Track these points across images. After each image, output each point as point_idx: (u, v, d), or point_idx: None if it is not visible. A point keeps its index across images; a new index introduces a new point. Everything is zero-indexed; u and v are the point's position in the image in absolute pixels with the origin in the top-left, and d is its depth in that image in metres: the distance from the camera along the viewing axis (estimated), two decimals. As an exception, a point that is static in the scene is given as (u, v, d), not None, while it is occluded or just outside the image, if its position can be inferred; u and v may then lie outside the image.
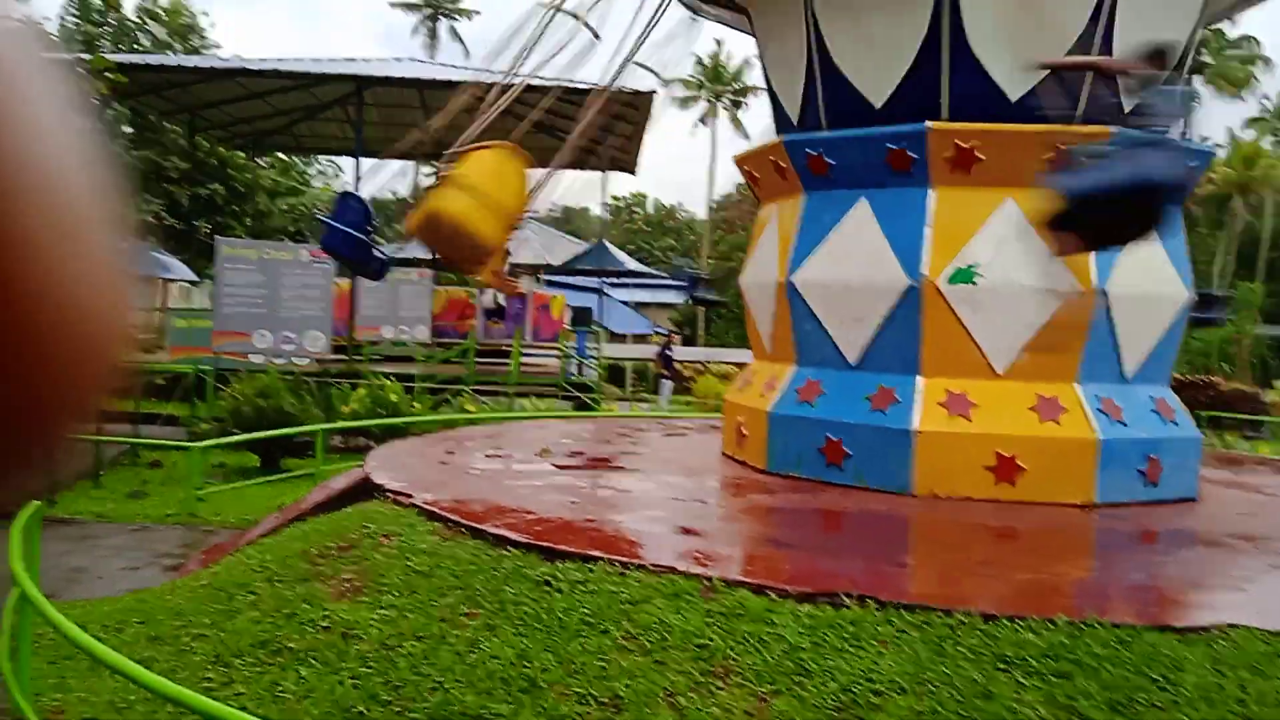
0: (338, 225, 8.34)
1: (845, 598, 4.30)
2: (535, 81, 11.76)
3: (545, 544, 4.99)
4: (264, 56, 22.32)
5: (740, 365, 27.41)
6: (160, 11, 34.00)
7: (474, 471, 7.48)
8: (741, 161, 8.73)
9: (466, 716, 3.92)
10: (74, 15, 31.16)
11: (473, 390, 17.20)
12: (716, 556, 5.01)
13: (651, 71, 10.34)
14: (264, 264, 14.56)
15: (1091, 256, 6.80)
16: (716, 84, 52.74)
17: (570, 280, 34.42)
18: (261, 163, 32.83)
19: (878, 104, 7.54)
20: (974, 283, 6.87)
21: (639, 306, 49.26)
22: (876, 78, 7.57)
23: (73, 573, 7.74)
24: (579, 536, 5.23)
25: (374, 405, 13.71)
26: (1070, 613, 4.15)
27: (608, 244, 28.57)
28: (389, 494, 6.23)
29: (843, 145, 7.40)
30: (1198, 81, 42.96)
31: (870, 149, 7.21)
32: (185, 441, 11.90)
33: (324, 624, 4.82)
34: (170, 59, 24.20)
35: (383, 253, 9.11)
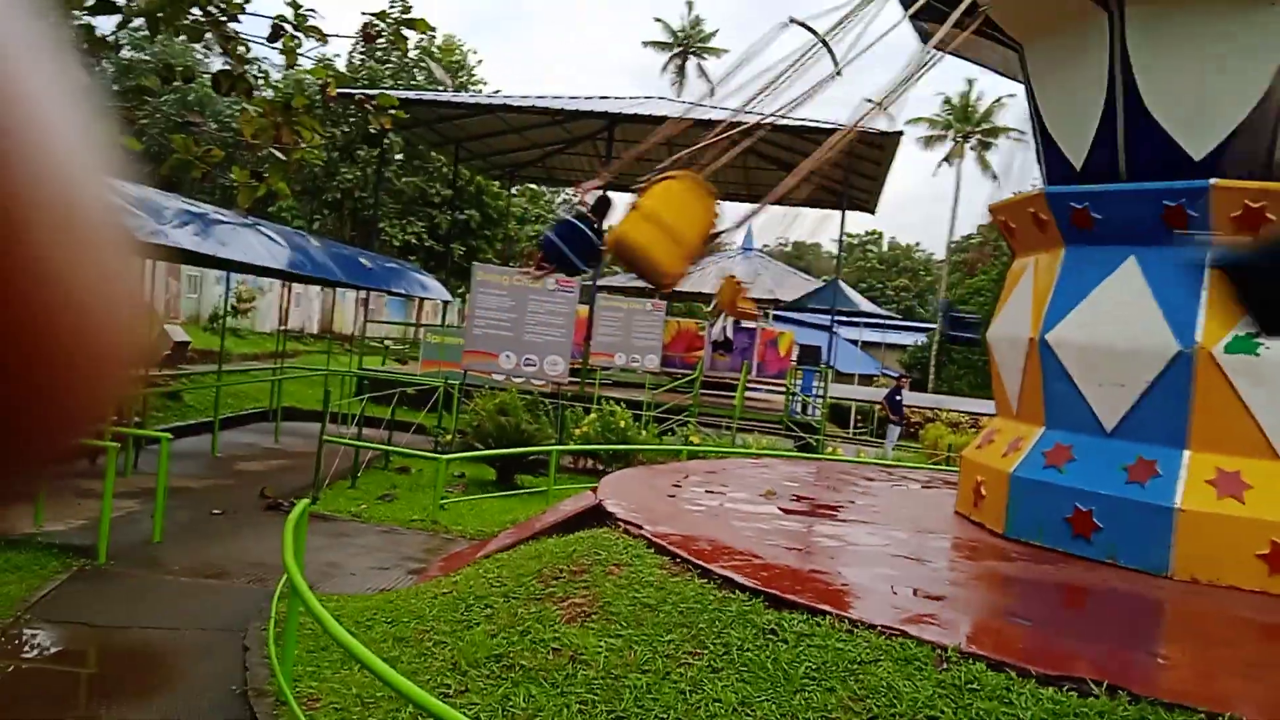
0: (559, 243, 8.96)
1: (1093, 685, 4.02)
2: (771, 119, 11.84)
3: (772, 591, 4.96)
4: (525, 94, 23.65)
5: (971, 414, 26.26)
6: (436, 50, 36.77)
7: (701, 507, 7.56)
8: (998, 211, 8.40)
9: (688, 757, 3.95)
10: (361, 54, 34.19)
11: (697, 421, 17.40)
12: (950, 624, 4.81)
13: (883, 109, 10.15)
14: (513, 289, 15.39)
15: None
16: (964, 124, 51.13)
17: (800, 317, 34.19)
18: (514, 191, 34.74)
19: (1197, 156, 7.00)
20: (1256, 354, 6.29)
21: (867, 346, 48.25)
22: (1200, 126, 7.01)
23: (327, 567, 8.42)
24: (806, 588, 5.17)
25: (604, 429, 14.14)
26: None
27: (841, 282, 28.20)
28: (620, 523, 6.40)
29: (1112, 200, 6.97)
30: None
31: (1144, 205, 6.76)
32: (431, 452, 12.71)
33: (554, 645, 5.01)
34: (442, 95, 26.11)
35: (584, 268, 9.75)
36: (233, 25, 6.56)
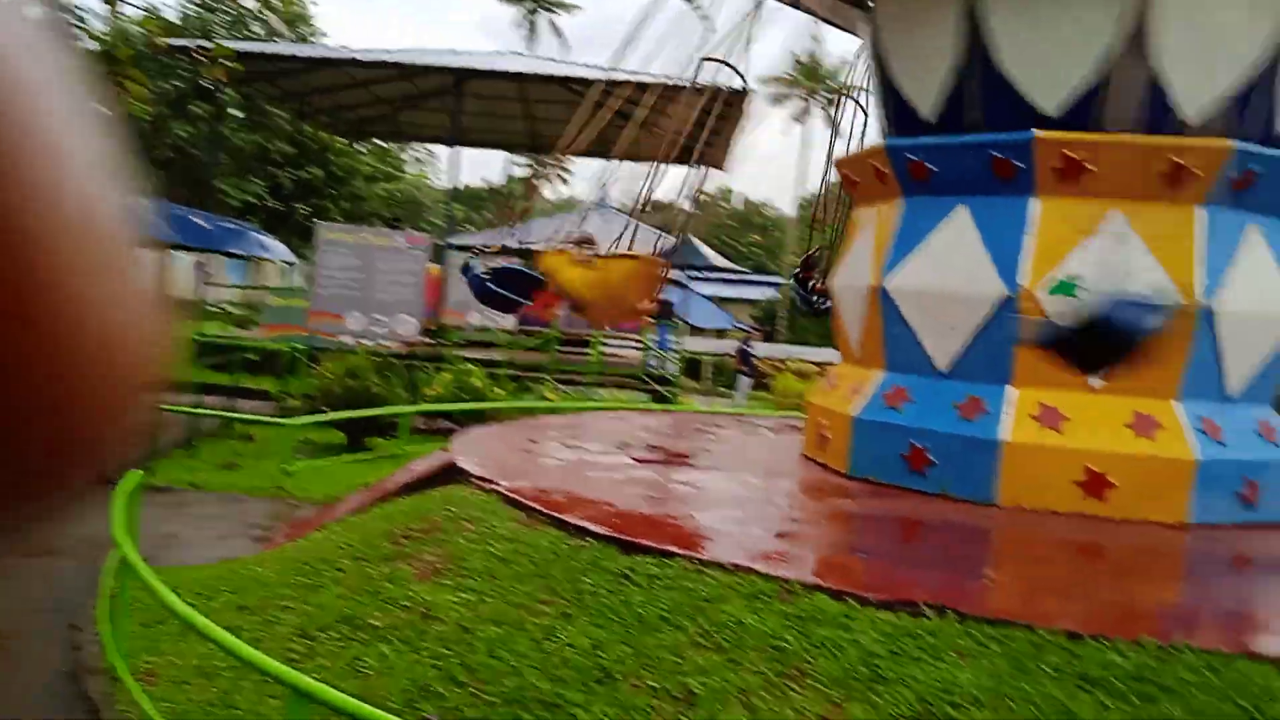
0: (497, 289, 9.44)
1: (925, 608, 4.25)
2: (634, 79, 11.83)
3: (624, 537, 5.03)
4: (370, 47, 22.85)
5: (820, 364, 27.14)
6: (276, 1, 35.02)
7: (555, 461, 7.57)
8: (842, 165, 8.65)
9: (541, 703, 3.98)
10: (194, 3, 32.27)
11: (554, 378, 17.38)
12: (795, 559, 4.99)
13: (735, 70, 10.30)
14: (360, 248, 14.94)
15: (1199, 270, 6.58)
16: (813, 82, 52.23)
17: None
18: (360, 149, 33.63)
19: (1046, 110, 7.24)
20: (1075, 295, 6.69)
21: (721, 301, 49.09)
22: (1049, 82, 7.26)
23: (165, 538, 8.05)
24: (658, 531, 5.26)
25: (458, 390, 13.95)
26: (1158, 636, 4.03)
27: (693, 238, 28.50)
28: (473, 479, 6.34)
29: (946, 152, 7.26)
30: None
31: (975, 157, 7.06)
32: (276, 417, 12.28)
33: (405, 603, 4.94)
34: (284, 47, 24.94)
35: (529, 303, 10.22)
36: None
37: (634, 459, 7.90)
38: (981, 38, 7.42)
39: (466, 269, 9.87)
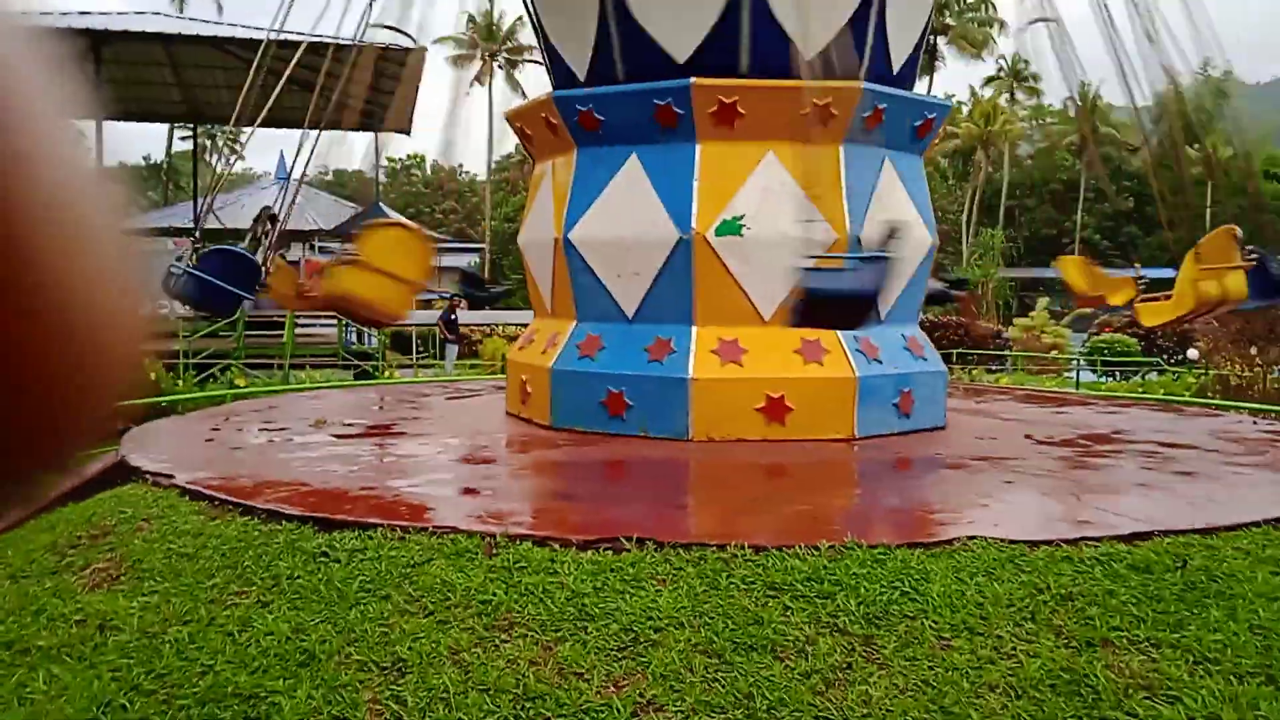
0: (215, 281, 7.76)
1: (625, 542, 4.40)
2: (293, 38, 11.17)
3: (320, 515, 4.83)
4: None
5: (527, 325, 27.39)
6: None
7: (244, 447, 7.12)
8: (514, 118, 8.64)
9: (239, 696, 3.75)
10: None
11: (243, 364, 16.33)
12: (500, 514, 5.00)
13: (400, 31, 10.02)
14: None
15: (846, 204, 7.22)
16: (490, 42, 51.89)
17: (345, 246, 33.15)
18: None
19: (680, 59, 7.50)
20: (740, 234, 7.13)
21: (474, 304, 48.10)
22: (679, 31, 7.53)
23: None
24: (357, 505, 5.10)
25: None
26: (833, 538, 4.43)
27: (384, 206, 27.61)
28: (147, 475, 5.84)
29: (612, 101, 7.45)
30: (941, 42, 46.16)
31: (639, 105, 7.30)
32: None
33: (77, 618, 4.47)
34: None
35: (251, 298, 8.53)
36: None
37: (333, 436, 7.59)
38: None
39: (167, 279, 8.26)
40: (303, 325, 20.82)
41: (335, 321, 20.90)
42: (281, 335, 18.33)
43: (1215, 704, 3.41)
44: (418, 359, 26.34)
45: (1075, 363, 22.45)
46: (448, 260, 49.11)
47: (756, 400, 7.04)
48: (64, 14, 20.28)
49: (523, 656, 3.83)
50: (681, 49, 7.50)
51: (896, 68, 8.01)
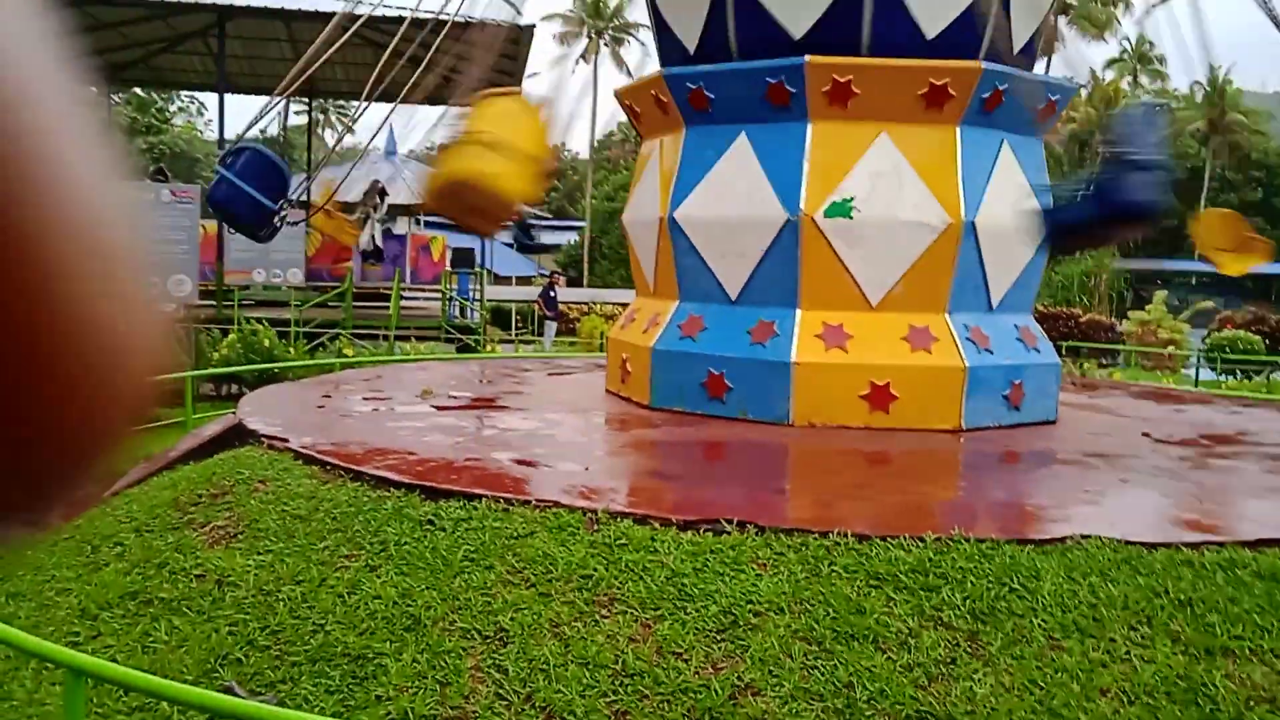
0: (239, 182, 7.37)
1: (725, 524, 4.39)
2: (408, 14, 11.37)
3: (427, 484, 4.93)
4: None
5: (624, 304, 27.53)
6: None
7: (353, 414, 7.32)
8: (623, 96, 8.64)
9: (348, 656, 3.87)
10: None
11: (350, 334, 16.80)
12: (600, 490, 5.04)
13: (511, 4, 9.94)
14: (122, 204, 13.81)
15: (961, 188, 7.02)
16: (597, 20, 52.00)
17: (450, 220, 33.74)
18: (117, 100, 30.98)
19: (797, 35, 7.38)
20: (850, 217, 7.00)
21: (522, 247, 48.71)
22: (797, 6, 7.41)
23: (-79, 532, 7.30)
24: (461, 475, 5.19)
25: (246, 351, 13.25)
26: (938, 530, 4.33)
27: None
28: (263, 439, 6.05)
29: (723, 79, 7.38)
30: (1062, 23, 44.53)
31: (750, 83, 7.21)
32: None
33: (197, 572, 4.68)
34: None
35: (283, 219, 8.28)
36: None
37: (437, 407, 7.74)
38: None
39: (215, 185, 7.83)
40: (407, 299, 21.31)
41: (440, 295, 21.33)
42: (387, 307, 18.77)
43: (1348, 724, 3.24)
44: (517, 334, 26.72)
45: (1194, 359, 21.49)
46: (549, 238, 49.65)
47: (860, 387, 6.93)
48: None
49: (622, 633, 3.85)
50: (799, 24, 7.35)
51: (1018, 47, 7.74)
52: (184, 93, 39.10)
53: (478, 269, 23.05)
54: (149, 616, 4.47)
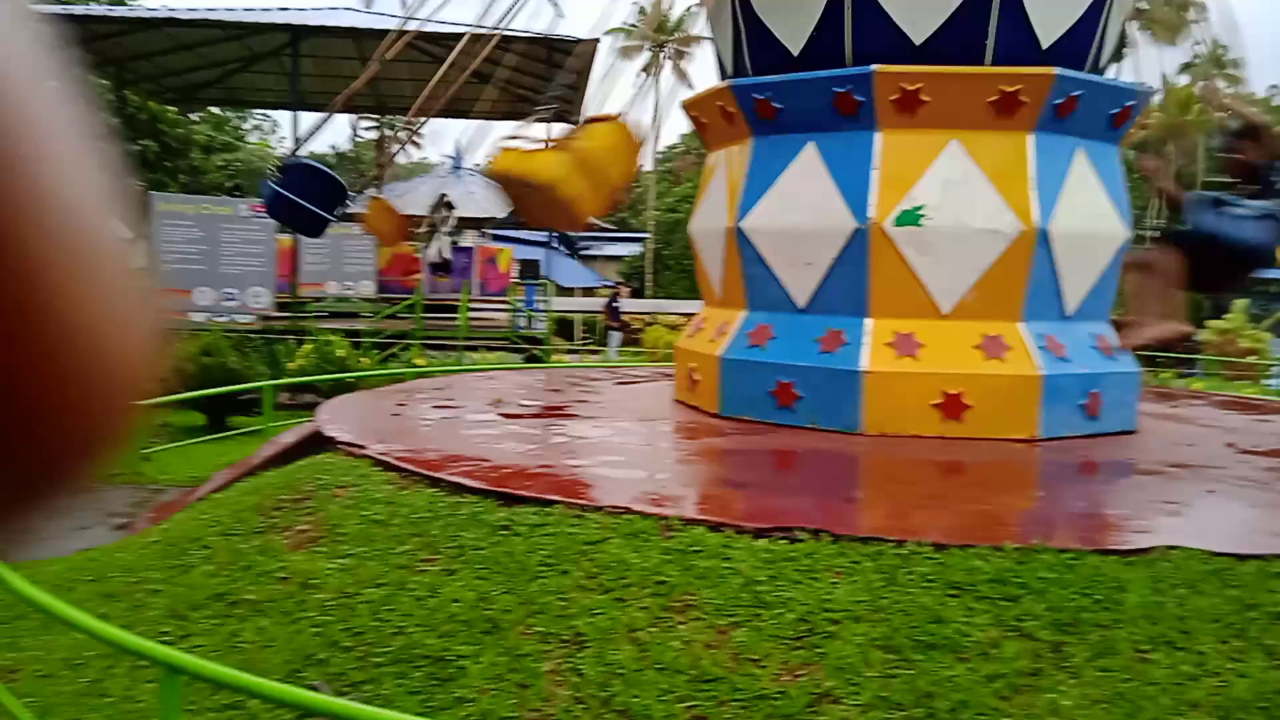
0: (288, 195, 7.67)
1: (800, 532, 4.38)
2: (468, 30, 11.55)
3: (502, 490, 5.00)
4: (193, 6, 21.61)
5: (688, 315, 27.56)
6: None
7: (426, 422, 7.45)
8: (689, 107, 8.68)
9: (429, 659, 3.95)
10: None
11: (421, 345, 17.07)
12: (673, 497, 5.06)
13: (553, 4, 9.81)
14: (202, 219, 14.20)
15: (1034, 195, 6.92)
16: (660, 33, 52.20)
17: (516, 233, 34.13)
18: (195, 118, 31.93)
19: (917, 41, 7.30)
20: (920, 225, 6.95)
21: (586, 259, 49.03)
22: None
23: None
24: (536, 482, 5.25)
25: (320, 361, 13.55)
26: (1017, 540, 4.27)
27: (553, 196, 28.22)
28: (341, 446, 6.19)
29: (790, 89, 7.38)
30: (1133, 28, 43.56)
31: (817, 92, 7.20)
32: (127, 402, 11.66)
33: (281, 575, 4.81)
34: (95, 9, 23.32)
35: (333, 218, 8.49)
36: None
37: (508, 415, 7.84)
38: None
39: (263, 189, 8.12)
40: (476, 310, 21.57)
41: (506, 307, 21.57)
42: (456, 318, 19.04)
43: None
44: (582, 344, 26.89)
45: (1277, 369, 20.81)
46: (612, 250, 49.89)
47: (932, 396, 6.86)
48: (265, 10, 21.64)
49: (698, 639, 3.87)
50: (919, 31, 7.25)
51: (1105, 55, 7.64)
52: (258, 110, 40.18)
53: (543, 280, 23.27)
54: (236, 617, 4.61)
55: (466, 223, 28.39)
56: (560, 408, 8.49)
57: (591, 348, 25.78)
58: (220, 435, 11.51)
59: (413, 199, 25.98)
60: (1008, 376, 6.88)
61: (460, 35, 11.32)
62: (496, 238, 31.48)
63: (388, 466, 5.63)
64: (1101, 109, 7.35)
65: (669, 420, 7.87)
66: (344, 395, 9.52)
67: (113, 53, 21.74)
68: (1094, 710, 3.34)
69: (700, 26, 52.59)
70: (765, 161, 7.60)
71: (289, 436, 7.66)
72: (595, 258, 49.75)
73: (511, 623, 4.06)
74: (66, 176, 0.40)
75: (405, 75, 24.79)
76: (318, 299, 20.28)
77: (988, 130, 7.02)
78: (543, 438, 6.97)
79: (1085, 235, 7.23)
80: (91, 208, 0.41)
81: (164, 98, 27.60)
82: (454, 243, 25.32)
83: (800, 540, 4.35)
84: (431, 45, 21.41)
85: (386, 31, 21.01)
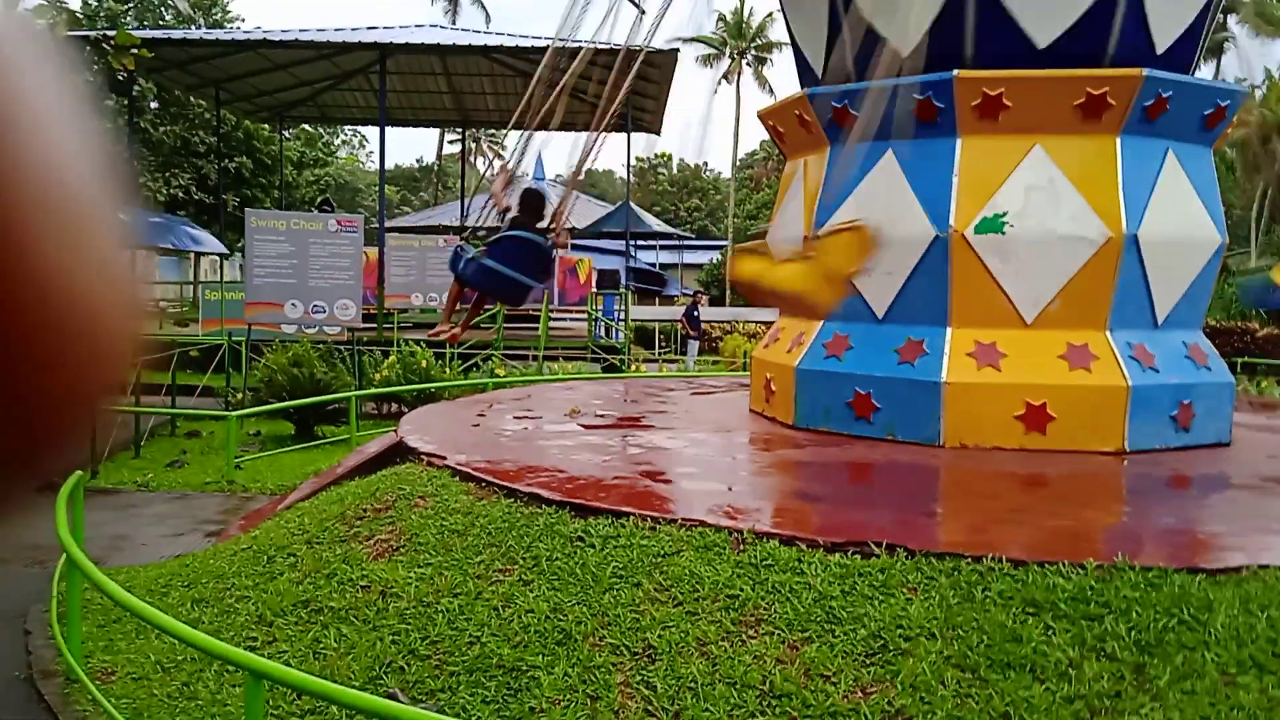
0: (503, 270, 7.67)
1: (874, 547, 4.33)
2: (558, 45, 11.68)
3: (577, 501, 5.05)
4: (286, 28, 22.32)
5: (766, 323, 27.39)
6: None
7: (505, 433, 7.56)
8: (766, 116, 8.66)
9: (503, 668, 4.01)
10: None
11: (502, 355, 17.31)
12: (746, 510, 5.05)
13: (636, 5, 9.76)
14: (292, 234, 14.63)
15: (1122, 200, 6.73)
16: (739, 41, 52.09)
17: (596, 243, 34.38)
18: (287, 135, 32.96)
19: (1041, 44, 7.15)
20: (1002, 232, 6.82)
21: (664, 267, 49.08)
22: (1042, 15, 7.17)
23: (116, 540, 7.93)
24: (610, 493, 5.29)
25: (405, 371, 13.84)
26: (1100, 557, 4.16)
27: (633, 205, 28.43)
28: (423, 456, 6.32)
29: (867, 96, 7.30)
30: (1233, 21, 41.94)
31: (896, 100, 7.12)
32: (221, 411, 12.10)
33: (362, 583, 4.93)
34: (193, 32, 24.29)
35: (536, 284, 8.37)
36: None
37: (585, 426, 7.91)
38: None
39: (456, 260, 8.21)
40: (556, 320, 21.79)
41: (586, 316, 21.73)
42: (537, 328, 19.26)
43: None
44: (660, 354, 26.93)
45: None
46: (691, 258, 49.86)
47: (1015, 407, 6.71)
48: (354, 29, 22.25)
49: (769, 654, 3.86)
50: (1044, 34, 7.10)
51: (1184, 49, 7.39)
52: (347, 127, 41.27)
53: (623, 289, 23.39)
54: (319, 624, 4.74)
55: (546, 233, 28.73)
56: (636, 418, 8.53)
57: (670, 357, 25.81)
58: (308, 444, 11.84)
59: (493, 212, 26.43)
60: (1093, 387, 6.70)
61: (544, 49, 11.49)
62: (576, 248, 31.73)
63: (466, 477, 5.74)
64: (1194, 110, 7.12)
65: (744, 431, 7.84)
66: (427, 406, 9.72)
67: (210, 74, 22.61)
68: (1179, 736, 3.23)
69: (779, 32, 52.31)
70: (843, 169, 7.53)
71: (373, 446, 7.85)
72: (674, 265, 49.76)
73: (584, 634, 4.10)
74: (61, 162, 0.41)
75: (487, 89, 25.26)
76: (403, 310, 20.72)
77: (1073, 134, 6.85)
78: (618, 449, 7.01)
79: (1177, 241, 7.00)
80: (85, 192, 0.42)
81: (258, 116, 28.56)
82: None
83: (875, 555, 4.30)
84: (513, 59, 21.77)
85: (470, 48, 21.50)
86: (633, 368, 19.32)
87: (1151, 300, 7.02)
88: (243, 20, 36.07)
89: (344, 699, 3.38)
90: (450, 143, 53.07)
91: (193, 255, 28.33)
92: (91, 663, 5.04)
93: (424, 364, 13.99)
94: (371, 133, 53.47)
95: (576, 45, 11.87)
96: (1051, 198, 6.79)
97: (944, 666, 3.64)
